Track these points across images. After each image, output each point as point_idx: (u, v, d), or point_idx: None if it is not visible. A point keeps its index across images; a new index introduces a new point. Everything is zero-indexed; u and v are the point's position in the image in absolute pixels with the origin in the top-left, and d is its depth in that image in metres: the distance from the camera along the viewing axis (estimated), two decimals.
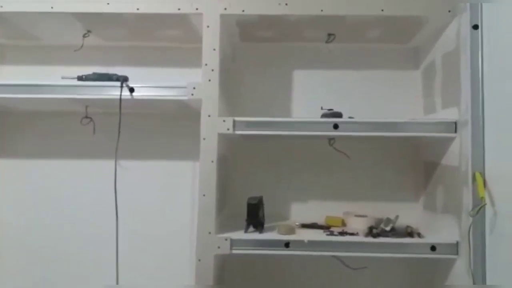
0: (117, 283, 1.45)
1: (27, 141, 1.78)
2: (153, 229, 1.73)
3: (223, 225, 1.49)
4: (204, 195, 1.35)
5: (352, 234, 1.40)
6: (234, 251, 1.34)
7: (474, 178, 1.23)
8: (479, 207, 1.19)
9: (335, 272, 1.65)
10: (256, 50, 1.76)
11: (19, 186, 1.77)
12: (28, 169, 1.77)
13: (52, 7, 1.41)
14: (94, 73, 1.45)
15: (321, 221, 1.59)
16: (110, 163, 1.46)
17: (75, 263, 1.74)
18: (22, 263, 1.75)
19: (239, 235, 1.38)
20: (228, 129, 1.37)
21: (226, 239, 1.34)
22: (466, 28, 1.28)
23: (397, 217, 1.44)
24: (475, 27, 1.27)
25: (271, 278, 1.71)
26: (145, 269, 1.71)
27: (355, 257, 1.43)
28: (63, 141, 1.76)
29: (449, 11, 1.37)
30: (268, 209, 1.51)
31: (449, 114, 1.40)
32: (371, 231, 1.38)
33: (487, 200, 1.20)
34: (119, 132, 1.44)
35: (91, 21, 1.52)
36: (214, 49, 1.38)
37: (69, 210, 1.74)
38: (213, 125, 1.37)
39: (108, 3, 1.40)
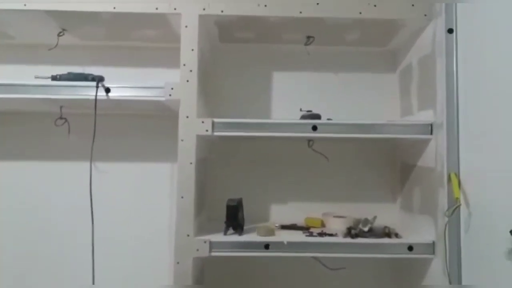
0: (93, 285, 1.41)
1: None
2: (130, 231, 1.69)
3: (202, 227, 1.47)
4: (182, 197, 1.33)
5: (331, 235, 1.41)
6: (213, 254, 1.33)
7: (449, 179, 1.26)
8: (454, 207, 1.21)
9: (315, 273, 1.67)
10: (235, 51, 1.75)
11: None
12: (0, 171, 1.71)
13: (25, 5, 1.37)
14: (69, 73, 1.41)
15: (300, 222, 1.59)
16: (86, 165, 1.42)
17: (50, 266, 1.69)
18: None
19: (219, 237, 1.36)
20: (207, 131, 1.35)
21: (205, 242, 1.33)
22: (441, 32, 1.31)
23: (375, 217, 1.46)
24: (450, 31, 1.30)
25: (251, 280, 1.70)
26: (122, 272, 1.68)
27: (334, 258, 1.44)
28: (37, 142, 1.71)
29: (425, 15, 1.39)
30: (247, 211, 1.50)
31: (425, 116, 1.42)
32: (350, 232, 1.39)
33: (462, 201, 1.22)
34: (94, 133, 1.40)
35: (66, 20, 1.48)
36: (193, 50, 1.37)
37: (44, 213, 1.70)
38: (192, 126, 1.35)
39: (83, 1, 1.37)
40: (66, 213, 1.69)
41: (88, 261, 1.38)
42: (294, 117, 1.49)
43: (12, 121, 1.72)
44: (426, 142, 1.41)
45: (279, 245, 1.34)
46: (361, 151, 1.73)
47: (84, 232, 1.42)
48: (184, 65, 1.36)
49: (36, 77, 1.41)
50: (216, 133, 1.36)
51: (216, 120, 1.37)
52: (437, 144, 1.33)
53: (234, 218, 1.40)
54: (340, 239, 1.37)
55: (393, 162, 1.73)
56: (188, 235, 1.32)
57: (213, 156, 1.72)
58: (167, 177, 1.70)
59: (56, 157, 1.71)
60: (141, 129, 1.72)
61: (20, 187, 1.71)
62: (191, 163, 1.34)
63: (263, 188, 1.72)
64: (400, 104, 1.72)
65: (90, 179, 1.38)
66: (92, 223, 1.38)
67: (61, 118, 1.58)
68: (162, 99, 1.36)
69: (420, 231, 1.44)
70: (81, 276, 1.62)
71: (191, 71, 1.36)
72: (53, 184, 1.71)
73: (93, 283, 1.40)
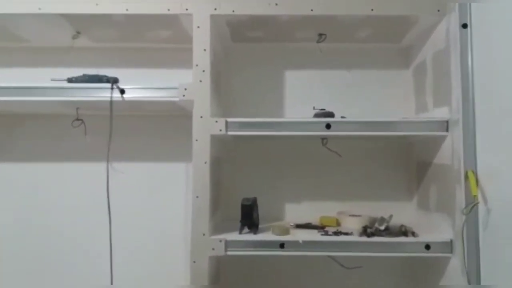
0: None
1: (17, 144, 1.75)
2: (147, 231, 1.71)
3: (217, 226, 1.48)
4: (197, 197, 1.34)
5: (346, 233, 1.40)
6: (229, 253, 1.34)
7: (466, 177, 1.24)
8: (472, 205, 1.20)
9: (330, 272, 1.66)
10: (247, 50, 1.75)
11: (10, 190, 1.74)
12: (19, 172, 1.74)
13: (39, 8, 1.39)
14: (84, 75, 1.43)
15: (315, 221, 1.59)
16: (102, 165, 1.44)
17: (68, 267, 1.72)
18: (13, 266, 1.72)
19: (234, 236, 1.37)
20: (220, 130, 1.36)
21: (220, 241, 1.34)
22: (455, 27, 1.30)
23: (391, 216, 1.44)
24: (464, 26, 1.28)
25: (266, 279, 1.70)
26: (139, 272, 1.70)
27: (350, 257, 1.43)
28: (54, 143, 1.74)
29: (438, 11, 1.38)
30: (262, 210, 1.50)
31: (441, 113, 1.41)
32: (366, 231, 1.38)
33: (480, 198, 1.20)
34: (110, 134, 1.42)
35: (80, 22, 1.50)
36: (205, 50, 1.38)
37: (61, 213, 1.72)
38: (206, 126, 1.36)
39: (97, 4, 1.39)
40: (83, 213, 1.71)
41: (104, 261, 1.39)
42: (307, 115, 1.49)
43: (30, 123, 1.75)
44: (442, 139, 1.39)
45: (295, 244, 1.34)
46: (376, 149, 1.72)
47: (101, 232, 1.43)
48: (197, 65, 1.37)
49: (53, 80, 1.43)
50: (230, 133, 1.37)
51: (229, 119, 1.37)
52: (453, 141, 1.31)
53: (249, 217, 1.40)
54: (356, 238, 1.36)
55: (408, 160, 1.71)
56: (204, 234, 1.33)
57: (227, 155, 1.72)
58: (182, 177, 1.71)
59: (73, 158, 1.73)
60: (156, 130, 1.73)
61: (38, 188, 1.73)
62: (205, 163, 1.35)
63: (277, 187, 1.72)
64: (415, 101, 1.70)
65: (107, 179, 1.40)
66: (110, 222, 1.40)
67: (77, 119, 1.60)
68: (176, 99, 1.37)
69: (438, 229, 1.42)
70: (97, 275, 1.63)
71: (203, 71, 1.37)
72: (70, 184, 1.73)
73: (111, 282, 1.42)
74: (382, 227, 1.39)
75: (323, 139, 1.59)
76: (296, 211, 1.70)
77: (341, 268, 1.55)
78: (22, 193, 1.74)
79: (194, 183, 1.35)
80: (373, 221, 1.45)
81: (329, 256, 1.43)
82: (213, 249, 1.33)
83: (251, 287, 1.70)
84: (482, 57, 1.23)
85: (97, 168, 1.61)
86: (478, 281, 1.21)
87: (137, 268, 1.70)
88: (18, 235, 1.73)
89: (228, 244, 1.34)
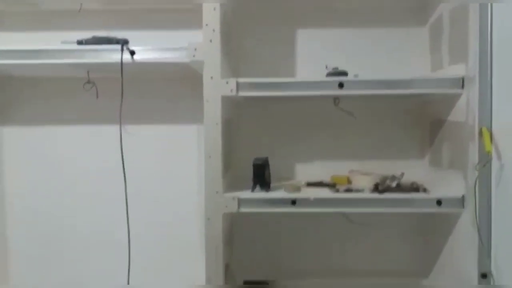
0: (129, 247, 1.46)
1: (29, 108, 1.76)
2: (161, 192, 1.74)
3: (230, 185, 1.50)
4: (210, 157, 1.35)
5: (357, 191, 1.41)
6: (242, 210, 1.36)
7: (480, 133, 1.23)
8: (485, 161, 1.19)
9: (342, 229, 1.68)
10: (258, 9, 1.70)
11: (23, 154, 1.77)
12: (31, 136, 1.76)
13: None
14: (93, 37, 1.42)
15: (326, 180, 1.59)
16: (115, 128, 1.45)
17: (83, 229, 1.76)
18: (27, 232, 1.77)
19: (246, 194, 1.39)
20: (231, 91, 1.35)
21: (233, 198, 1.36)
22: None
23: (402, 174, 1.45)
24: None
25: (278, 237, 1.74)
26: (154, 232, 1.74)
27: (361, 214, 1.44)
28: (66, 106, 1.75)
29: None
30: (273, 171, 1.51)
31: (457, 70, 1.37)
32: (377, 188, 1.39)
33: (494, 155, 1.20)
34: (122, 96, 1.42)
35: None
36: (215, 9, 1.35)
37: (75, 176, 1.75)
38: (216, 87, 1.35)
39: None
40: (97, 175, 1.73)
41: (120, 223, 1.43)
42: (319, 75, 1.46)
43: (41, 86, 1.75)
44: (456, 96, 1.36)
45: (306, 201, 1.35)
46: (389, 107, 1.69)
47: (115, 194, 1.46)
48: (207, 25, 1.35)
49: (62, 42, 1.42)
50: (241, 94, 1.36)
51: (240, 80, 1.36)
52: (469, 98, 1.29)
53: (261, 176, 1.42)
54: (367, 195, 1.37)
55: (422, 118, 1.69)
56: (217, 192, 1.36)
57: (239, 116, 1.72)
58: (194, 138, 1.72)
59: (86, 121, 1.74)
60: (167, 91, 1.72)
61: (51, 151, 1.76)
62: (217, 124, 1.35)
63: (289, 147, 1.71)
64: (431, 58, 1.65)
65: (121, 142, 1.42)
66: (125, 185, 1.43)
67: (88, 82, 1.61)
68: (186, 60, 1.35)
69: (449, 186, 1.41)
70: (113, 235, 1.69)
71: (214, 30, 1.35)
72: (83, 147, 1.74)
73: (129, 243, 1.46)
74: (393, 184, 1.39)
75: (335, 99, 1.58)
76: (308, 171, 1.70)
77: (352, 225, 1.57)
78: (35, 157, 1.76)
79: (206, 143, 1.35)
80: (384, 179, 1.45)
81: (340, 213, 1.44)
82: (226, 206, 1.36)
83: (263, 245, 1.74)
84: (502, 14, 1.18)
85: (110, 131, 1.63)
86: (489, 235, 1.22)
87: (153, 229, 1.74)
88: (30, 199, 1.76)
89: (241, 202, 1.36)
